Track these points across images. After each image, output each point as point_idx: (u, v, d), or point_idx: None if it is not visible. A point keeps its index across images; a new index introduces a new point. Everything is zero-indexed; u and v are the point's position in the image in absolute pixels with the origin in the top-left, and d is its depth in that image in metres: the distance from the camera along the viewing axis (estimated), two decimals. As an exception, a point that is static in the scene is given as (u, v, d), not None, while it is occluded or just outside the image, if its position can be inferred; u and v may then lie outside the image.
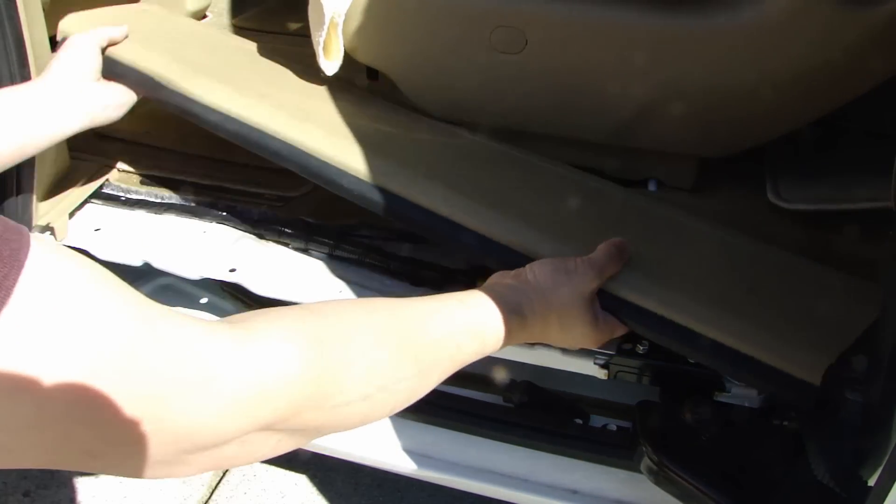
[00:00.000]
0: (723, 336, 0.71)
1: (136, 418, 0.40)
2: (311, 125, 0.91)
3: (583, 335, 0.71)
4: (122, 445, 0.40)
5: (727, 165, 0.99)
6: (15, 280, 0.35)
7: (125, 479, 1.35)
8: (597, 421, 0.91)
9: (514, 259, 0.77)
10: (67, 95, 0.88)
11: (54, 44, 1.01)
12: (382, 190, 0.85)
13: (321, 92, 1.04)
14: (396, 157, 0.89)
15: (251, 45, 1.17)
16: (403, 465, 0.94)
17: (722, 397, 0.77)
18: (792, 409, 0.72)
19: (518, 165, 0.97)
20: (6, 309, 0.35)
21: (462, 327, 0.60)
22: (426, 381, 0.57)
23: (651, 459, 0.75)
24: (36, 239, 0.38)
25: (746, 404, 0.76)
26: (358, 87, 1.10)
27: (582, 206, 0.90)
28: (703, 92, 0.89)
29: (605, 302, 0.73)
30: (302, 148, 0.89)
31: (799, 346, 0.69)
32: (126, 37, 0.98)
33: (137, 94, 0.96)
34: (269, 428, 0.46)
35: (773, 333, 0.71)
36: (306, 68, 1.08)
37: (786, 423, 0.71)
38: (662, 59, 0.88)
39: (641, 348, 0.83)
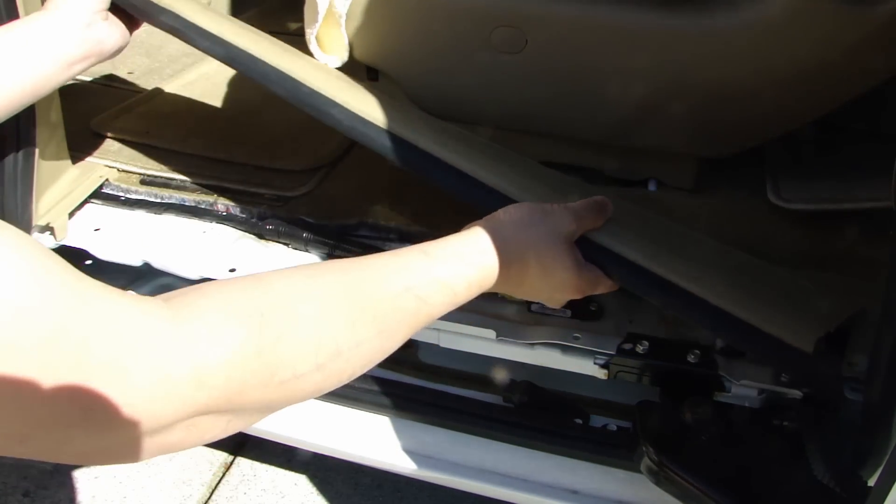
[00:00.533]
0: (713, 297, 0.69)
1: (63, 400, 0.37)
2: (303, 61, 0.89)
3: (564, 282, 0.65)
4: (51, 430, 0.38)
5: (727, 165, 0.99)
6: None
7: (124, 479, 1.35)
8: (597, 421, 0.91)
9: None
10: (78, 34, 0.82)
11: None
12: (370, 124, 0.83)
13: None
14: (387, 102, 0.87)
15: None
16: (403, 464, 0.94)
17: (722, 397, 0.77)
18: (792, 410, 0.72)
19: (511, 156, 0.97)
20: None
21: (425, 278, 0.55)
22: (390, 340, 0.53)
23: (651, 459, 0.75)
24: None
25: (746, 404, 0.76)
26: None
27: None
28: (703, 92, 0.89)
29: (588, 252, 0.70)
30: (292, 75, 0.86)
31: (790, 315, 0.68)
32: None
33: (131, 26, 0.91)
34: (212, 410, 0.44)
35: (764, 300, 0.70)
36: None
37: (786, 423, 0.71)
38: (662, 59, 0.88)
39: (641, 348, 0.83)
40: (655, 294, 0.72)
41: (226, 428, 0.46)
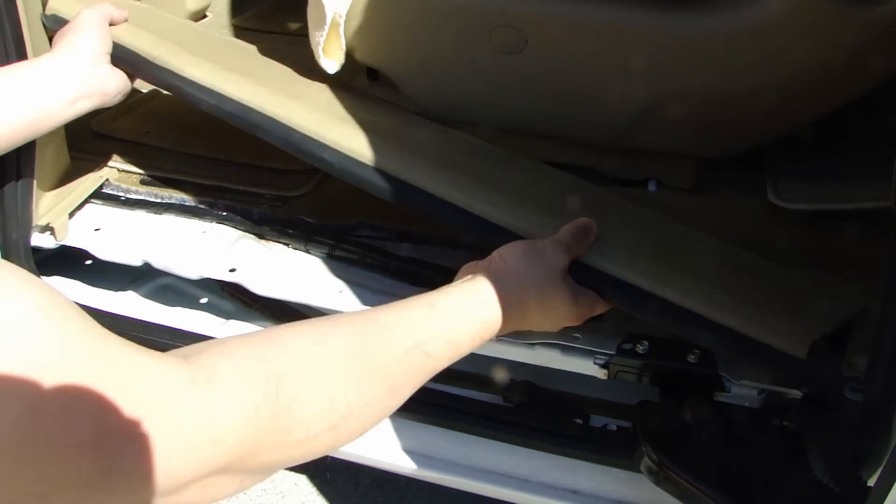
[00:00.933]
0: (706, 308, 0.71)
1: (82, 461, 0.38)
2: (295, 102, 0.90)
3: (564, 314, 0.69)
4: (70, 489, 0.38)
5: (727, 165, 0.99)
6: None
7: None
8: (597, 421, 0.91)
9: (506, 240, 0.75)
10: (84, 80, 0.87)
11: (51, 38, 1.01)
12: (363, 164, 0.84)
13: (308, 79, 1.03)
14: (380, 134, 0.88)
15: (243, 43, 1.16)
16: (403, 464, 0.94)
17: (722, 397, 0.77)
18: (792, 410, 0.72)
19: (507, 159, 0.97)
20: None
21: (432, 333, 0.57)
22: (397, 397, 0.55)
23: (651, 459, 0.75)
24: None
25: (746, 404, 0.76)
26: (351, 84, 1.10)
27: (569, 196, 0.90)
28: (704, 92, 0.89)
29: (581, 276, 0.72)
30: (283, 122, 0.87)
31: (785, 318, 0.69)
32: (126, 19, 0.98)
33: (131, 77, 0.95)
34: (227, 470, 0.44)
35: (760, 304, 0.71)
36: (300, 65, 1.07)
37: (786, 423, 0.71)
38: (663, 60, 0.88)
39: (641, 348, 0.83)
40: (646, 311, 0.74)
41: (238, 486, 0.47)
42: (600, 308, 0.73)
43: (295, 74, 1.05)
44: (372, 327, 0.55)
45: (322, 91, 1.00)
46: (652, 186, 1.03)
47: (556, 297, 0.67)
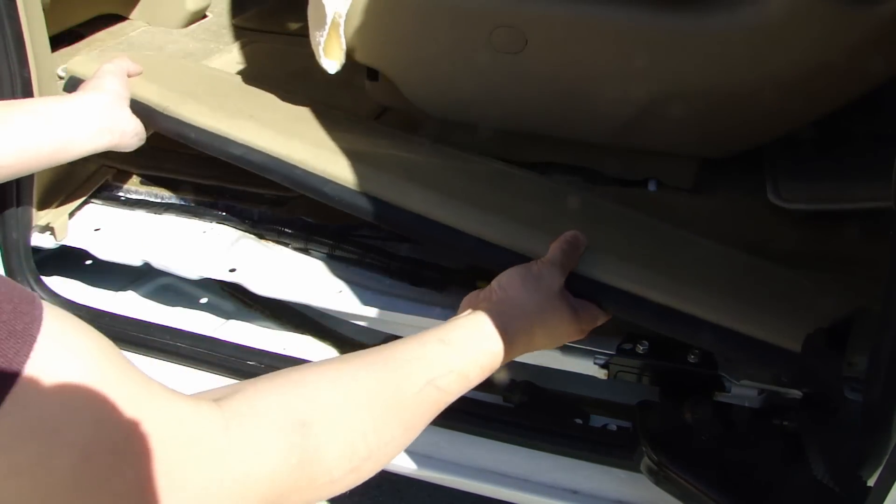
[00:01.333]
0: (700, 310, 0.71)
1: (128, 502, 0.40)
2: (296, 141, 0.92)
3: (567, 332, 0.71)
4: None
5: (727, 165, 0.99)
6: (26, 357, 0.36)
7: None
8: (597, 421, 0.91)
9: (503, 258, 0.78)
10: (107, 115, 0.92)
11: (54, 45, 1.03)
12: (365, 194, 0.86)
13: (307, 114, 1.05)
14: (376, 165, 0.90)
15: (242, 82, 1.19)
16: (402, 464, 0.94)
17: (722, 397, 0.77)
18: (792, 410, 0.71)
19: (500, 176, 0.98)
20: (14, 389, 0.36)
21: (445, 369, 0.60)
22: (412, 432, 0.58)
23: (651, 459, 0.75)
24: (48, 310, 0.38)
25: (746, 404, 0.76)
26: (343, 111, 1.12)
27: (568, 208, 0.91)
28: (703, 92, 0.89)
29: (578, 288, 0.73)
30: (286, 160, 0.90)
31: (777, 315, 0.69)
32: (140, 72, 1.02)
33: (146, 128, 0.99)
34: None
35: (755, 303, 0.71)
36: (299, 97, 1.10)
37: (786, 423, 0.71)
38: (663, 59, 0.88)
39: (641, 348, 0.82)
40: (641, 317, 0.74)
41: None
42: (601, 319, 0.75)
43: (296, 111, 1.06)
44: (389, 366, 0.58)
45: (321, 126, 1.01)
46: (652, 186, 1.03)
47: (558, 318, 0.69)
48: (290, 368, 0.54)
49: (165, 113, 0.96)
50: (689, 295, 0.73)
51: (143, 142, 0.98)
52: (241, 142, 0.92)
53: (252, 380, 0.51)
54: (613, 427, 0.89)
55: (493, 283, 0.70)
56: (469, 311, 0.68)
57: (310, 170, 0.89)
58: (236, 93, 1.11)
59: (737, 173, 1.01)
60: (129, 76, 0.99)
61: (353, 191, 0.86)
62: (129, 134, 0.95)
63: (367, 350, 0.59)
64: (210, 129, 0.94)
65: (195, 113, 0.96)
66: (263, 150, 0.91)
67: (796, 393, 0.70)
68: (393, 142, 1.04)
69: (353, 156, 0.90)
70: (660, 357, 0.81)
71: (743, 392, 0.76)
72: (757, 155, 0.98)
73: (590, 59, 0.91)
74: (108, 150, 0.94)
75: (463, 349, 0.62)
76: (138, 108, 0.97)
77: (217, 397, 0.48)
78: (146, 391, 0.43)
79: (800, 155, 0.97)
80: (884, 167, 0.51)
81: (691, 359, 0.79)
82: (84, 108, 0.90)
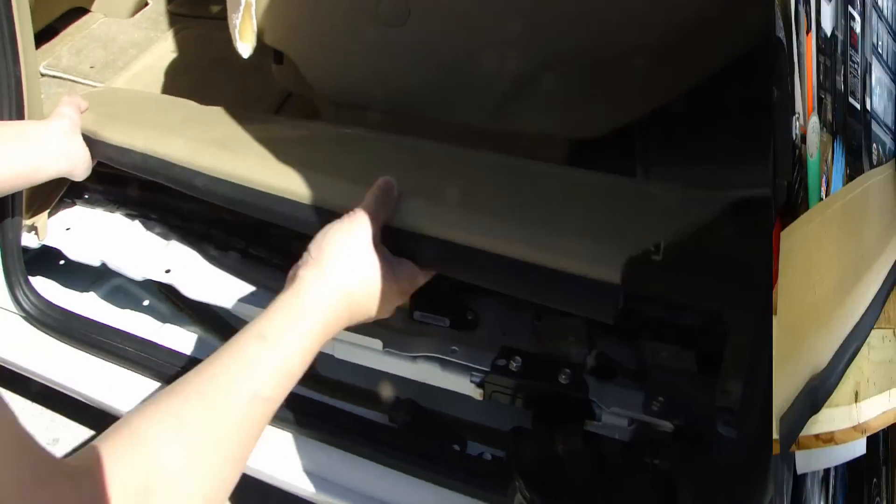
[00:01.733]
0: (511, 248, 0.64)
1: None
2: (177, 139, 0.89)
3: (388, 293, 0.65)
4: None
5: (599, 151, 0.92)
6: None
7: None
8: (473, 448, 0.83)
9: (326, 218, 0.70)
10: (72, 142, 0.95)
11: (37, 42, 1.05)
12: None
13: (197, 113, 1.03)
14: (232, 149, 0.86)
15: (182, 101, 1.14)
16: (300, 485, 0.85)
17: (593, 427, 0.69)
18: (663, 444, 0.63)
19: (342, 140, 0.94)
20: None
21: (266, 373, 0.57)
22: (245, 458, 0.56)
23: (524, 496, 0.67)
24: None
25: (617, 436, 0.68)
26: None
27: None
28: (574, 61, 0.86)
29: (393, 244, 0.67)
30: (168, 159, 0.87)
31: (597, 243, 0.63)
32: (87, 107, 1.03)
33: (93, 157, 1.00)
34: None
35: (574, 235, 0.65)
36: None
37: (656, 461, 0.63)
38: (535, 23, 0.85)
39: (514, 365, 0.75)
40: (459, 265, 0.68)
41: None
42: (421, 277, 0.69)
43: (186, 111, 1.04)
44: (213, 387, 0.56)
45: (208, 123, 0.98)
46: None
47: (374, 274, 0.64)
48: (129, 417, 0.52)
49: (100, 140, 0.95)
50: (500, 230, 0.66)
51: (89, 170, 0.98)
52: (160, 156, 0.89)
53: (101, 437, 0.50)
54: (489, 456, 0.80)
55: (310, 245, 0.65)
56: (288, 286, 0.63)
57: (186, 165, 0.85)
58: (166, 111, 1.09)
59: (609, 160, 0.95)
60: (80, 111, 1.02)
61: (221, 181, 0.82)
62: (80, 157, 0.96)
63: (196, 370, 0.56)
64: (133, 148, 0.92)
65: (130, 137, 0.93)
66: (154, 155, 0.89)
67: (667, 425, 0.63)
68: (263, 125, 0.99)
69: (216, 144, 0.87)
70: (531, 376, 0.74)
71: (613, 422, 0.68)
72: (628, 138, 0.92)
73: (467, 26, 0.89)
74: (64, 175, 0.94)
75: (282, 340, 0.59)
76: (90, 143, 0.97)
77: (73, 467, 0.47)
78: (13, 477, 0.42)
79: (672, 135, 0.90)
80: (759, 144, 0.47)
81: (562, 379, 0.71)
82: (52, 131, 0.93)
